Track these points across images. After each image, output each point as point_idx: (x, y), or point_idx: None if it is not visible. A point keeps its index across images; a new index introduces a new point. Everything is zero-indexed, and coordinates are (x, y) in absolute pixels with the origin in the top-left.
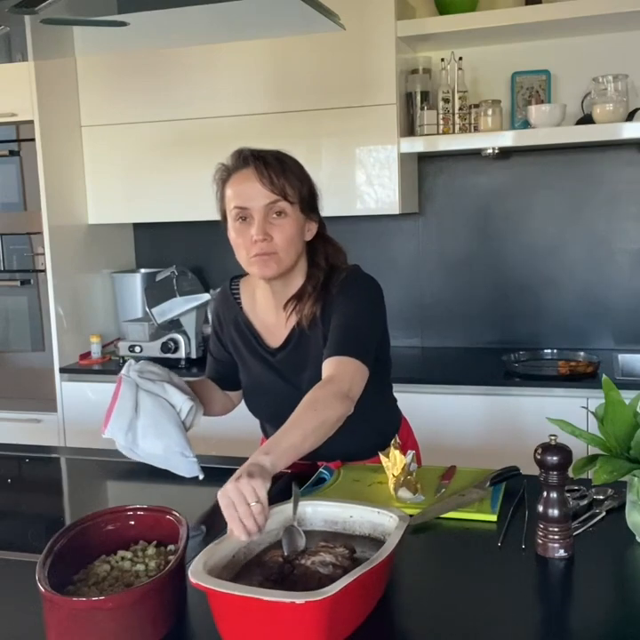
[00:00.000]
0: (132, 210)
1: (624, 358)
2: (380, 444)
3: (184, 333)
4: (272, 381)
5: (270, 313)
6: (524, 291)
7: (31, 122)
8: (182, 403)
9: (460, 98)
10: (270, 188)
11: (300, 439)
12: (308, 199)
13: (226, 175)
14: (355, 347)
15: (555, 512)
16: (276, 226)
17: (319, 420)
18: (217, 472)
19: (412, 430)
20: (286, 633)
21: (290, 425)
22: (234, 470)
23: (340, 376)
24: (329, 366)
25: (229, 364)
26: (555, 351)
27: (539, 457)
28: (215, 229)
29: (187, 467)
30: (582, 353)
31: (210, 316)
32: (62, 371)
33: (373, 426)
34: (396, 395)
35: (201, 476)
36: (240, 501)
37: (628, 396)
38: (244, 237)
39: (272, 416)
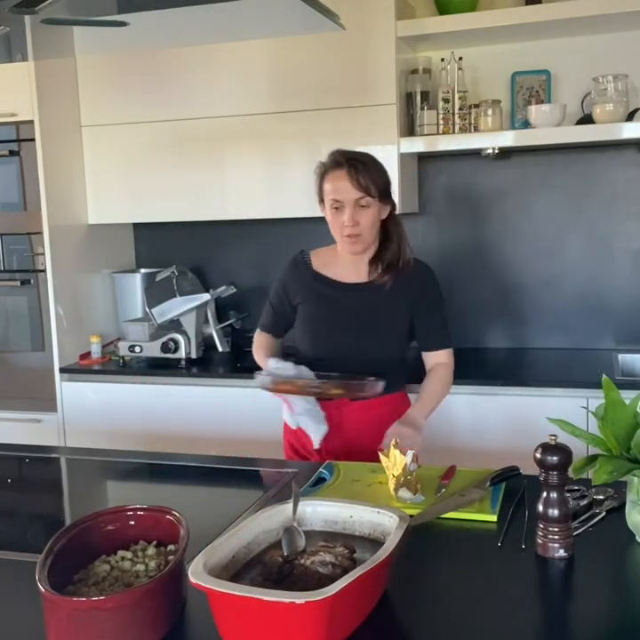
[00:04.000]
0: (132, 210)
1: (624, 358)
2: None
3: (184, 333)
4: (344, 318)
5: (349, 271)
6: (524, 291)
7: (31, 122)
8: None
9: (459, 98)
10: (358, 187)
11: (437, 404)
12: (384, 191)
13: (323, 172)
14: (450, 338)
15: (555, 512)
16: (362, 214)
17: (445, 391)
18: (216, 472)
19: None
20: (286, 633)
21: (433, 394)
22: (233, 470)
23: (450, 362)
24: (441, 355)
25: (286, 315)
26: (555, 351)
27: (539, 457)
28: (215, 229)
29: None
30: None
31: (210, 318)
32: (62, 371)
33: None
34: None
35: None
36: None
37: (628, 395)
38: (338, 222)
39: (340, 358)
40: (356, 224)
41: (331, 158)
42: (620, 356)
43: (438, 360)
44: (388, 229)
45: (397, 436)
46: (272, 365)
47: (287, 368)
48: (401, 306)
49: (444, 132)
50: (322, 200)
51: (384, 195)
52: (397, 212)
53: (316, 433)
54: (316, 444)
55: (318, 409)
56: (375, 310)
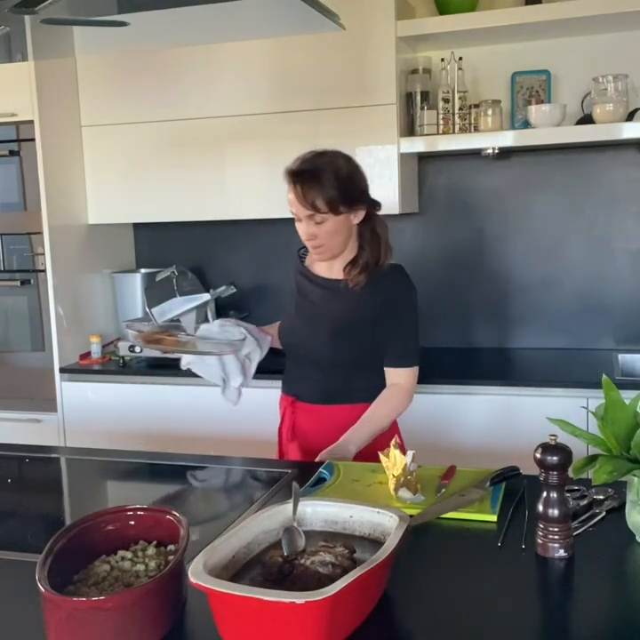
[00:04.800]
0: (132, 210)
1: (624, 358)
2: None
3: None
4: (310, 306)
5: (328, 269)
6: (524, 290)
7: (31, 122)
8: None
9: (459, 98)
10: (305, 204)
11: (376, 432)
12: (341, 201)
13: (286, 181)
14: (413, 357)
15: (555, 512)
16: (317, 227)
17: (390, 418)
18: (216, 472)
19: (398, 426)
20: (286, 633)
21: (371, 420)
22: (233, 470)
23: (405, 384)
24: (395, 375)
25: None
26: (555, 351)
27: (539, 457)
28: (215, 229)
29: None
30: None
31: (210, 317)
32: (62, 371)
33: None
34: None
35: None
36: None
37: (628, 395)
38: (301, 231)
39: (295, 345)
40: (312, 237)
41: (286, 169)
42: (620, 356)
43: (394, 380)
44: (362, 233)
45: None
46: (217, 323)
47: (212, 330)
48: (367, 311)
49: (444, 132)
50: None
51: (343, 205)
52: (397, 212)
53: (210, 377)
54: (222, 393)
55: (231, 358)
56: (338, 308)
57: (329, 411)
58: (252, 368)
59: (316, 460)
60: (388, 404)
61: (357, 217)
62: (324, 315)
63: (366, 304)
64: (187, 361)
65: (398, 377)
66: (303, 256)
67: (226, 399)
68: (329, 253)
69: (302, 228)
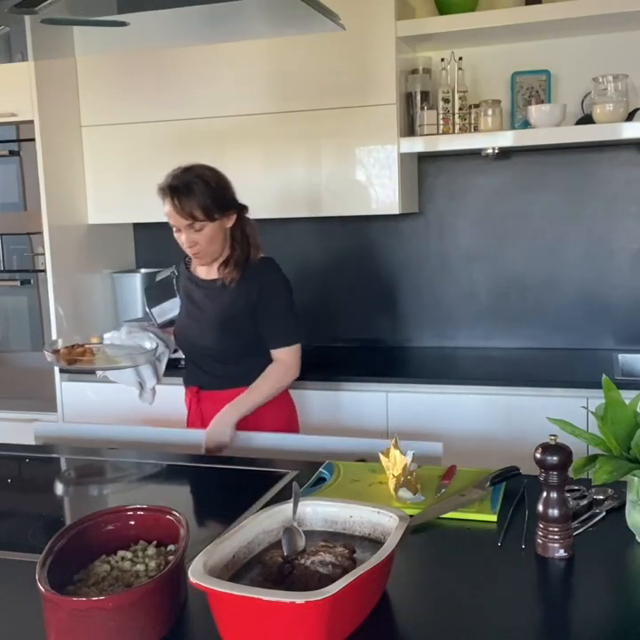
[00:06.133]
0: (132, 210)
1: (624, 358)
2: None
3: None
4: (196, 307)
5: (206, 270)
6: (524, 291)
7: (31, 122)
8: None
9: (460, 98)
10: (183, 215)
11: (258, 402)
12: (216, 208)
13: (161, 196)
14: (294, 334)
15: (555, 512)
16: (198, 235)
17: (273, 390)
18: (216, 472)
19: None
20: (286, 633)
21: (253, 390)
22: (234, 470)
23: (289, 361)
24: (278, 354)
25: None
26: (555, 351)
27: (539, 457)
28: None
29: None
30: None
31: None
32: (62, 371)
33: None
34: (395, 394)
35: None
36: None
37: (628, 395)
38: (181, 241)
39: (189, 343)
40: (193, 245)
41: (159, 186)
42: (620, 356)
43: (276, 357)
44: (233, 234)
45: (207, 435)
46: (124, 330)
47: (121, 337)
48: (246, 303)
49: (444, 132)
50: None
51: (217, 212)
52: (397, 212)
53: (127, 383)
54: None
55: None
56: (218, 304)
57: (231, 394)
58: (162, 367)
59: (203, 452)
60: (270, 377)
61: (230, 221)
62: (208, 312)
63: (242, 296)
64: (102, 370)
65: (281, 355)
66: (188, 263)
67: (142, 401)
68: (208, 258)
69: (183, 238)
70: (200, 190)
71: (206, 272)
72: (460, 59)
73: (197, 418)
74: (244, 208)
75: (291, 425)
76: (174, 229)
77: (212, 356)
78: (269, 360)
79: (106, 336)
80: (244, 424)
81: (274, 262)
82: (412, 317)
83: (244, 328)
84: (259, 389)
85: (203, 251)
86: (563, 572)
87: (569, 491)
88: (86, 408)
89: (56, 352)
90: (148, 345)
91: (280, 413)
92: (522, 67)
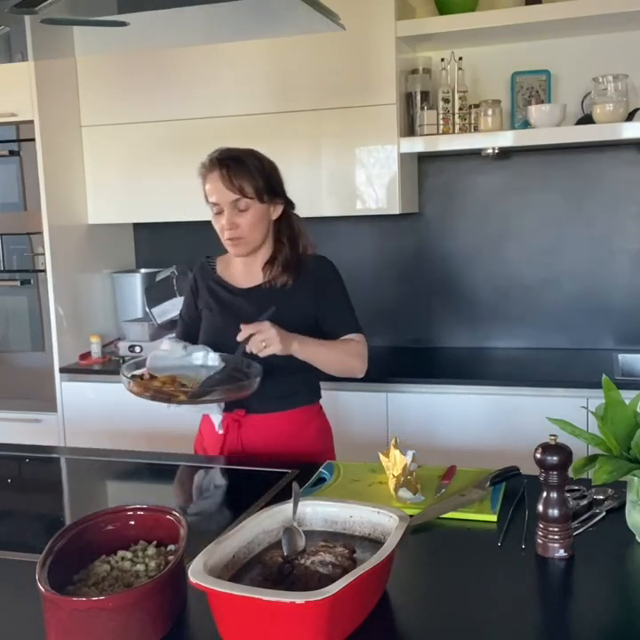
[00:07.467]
0: (132, 210)
1: (624, 358)
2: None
3: None
4: (230, 322)
5: (244, 276)
6: (524, 291)
7: (31, 122)
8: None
9: (460, 98)
10: (231, 188)
11: (324, 355)
12: (266, 189)
13: (204, 173)
14: (358, 325)
15: (555, 512)
16: (241, 216)
17: (344, 358)
18: (216, 472)
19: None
20: (286, 633)
21: (324, 343)
22: (233, 470)
23: (362, 342)
24: (352, 337)
25: (195, 324)
26: (555, 351)
27: (539, 457)
28: (215, 229)
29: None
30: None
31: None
32: (62, 371)
33: (299, 385)
34: (395, 394)
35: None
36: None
37: (628, 395)
38: (220, 224)
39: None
40: (234, 227)
41: (207, 158)
42: (620, 356)
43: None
44: (279, 229)
45: (255, 330)
46: (164, 346)
47: (176, 350)
48: (302, 305)
49: (444, 132)
50: (208, 202)
51: (267, 194)
52: (397, 212)
53: (209, 411)
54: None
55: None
56: (274, 314)
57: (280, 418)
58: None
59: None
60: (350, 343)
61: (276, 211)
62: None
63: (300, 298)
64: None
65: (353, 337)
66: (211, 264)
67: (218, 430)
68: (246, 247)
69: (223, 219)
70: (254, 165)
71: (244, 277)
72: (460, 59)
73: (237, 445)
74: (291, 203)
75: (326, 445)
76: (215, 210)
77: (268, 369)
78: (321, 374)
79: (156, 353)
80: (281, 438)
81: (326, 258)
82: (412, 316)
83: (302, 331)
84: (333, 344)
85: (243, 236)
86: (563, 572)
87: (569, 491)
88: (86, 408)
89: (131, 379)
90: (215, 362)
91: (317, 437)
92: (522, 67)
